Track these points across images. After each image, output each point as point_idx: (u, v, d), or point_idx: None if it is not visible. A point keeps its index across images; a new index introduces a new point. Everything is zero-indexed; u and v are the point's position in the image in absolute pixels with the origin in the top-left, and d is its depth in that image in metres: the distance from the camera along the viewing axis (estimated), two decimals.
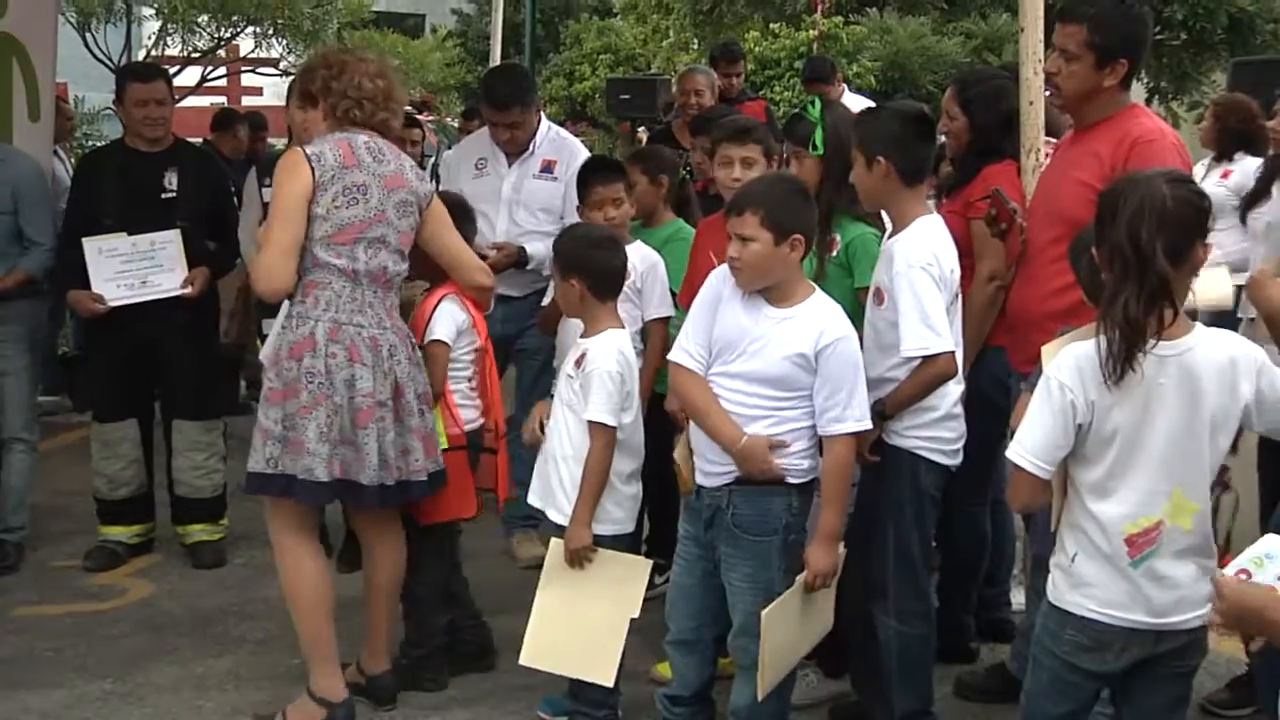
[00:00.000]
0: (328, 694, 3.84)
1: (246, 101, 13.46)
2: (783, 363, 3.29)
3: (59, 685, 4.23)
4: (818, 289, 3.42)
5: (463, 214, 4.34)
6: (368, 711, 4.04)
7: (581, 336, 3.78)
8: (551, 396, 3.93)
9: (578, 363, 3.70)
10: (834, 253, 3.84)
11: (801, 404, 3.32)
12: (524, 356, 5.32)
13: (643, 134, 12.75)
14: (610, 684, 3.70)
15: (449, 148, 9.57)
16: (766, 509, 3.35)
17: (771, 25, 17.28)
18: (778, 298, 3.34)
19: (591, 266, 3.72)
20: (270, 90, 15.80)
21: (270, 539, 3.93)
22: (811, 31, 15.09)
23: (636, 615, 3.70)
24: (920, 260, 3.44)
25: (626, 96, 12.55)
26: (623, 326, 3.80)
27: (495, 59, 9.06)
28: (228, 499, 5.44)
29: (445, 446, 4.09)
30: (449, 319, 4.09)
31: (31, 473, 5.39)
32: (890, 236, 3.66)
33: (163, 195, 5.16)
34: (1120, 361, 2.57)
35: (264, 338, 5.39)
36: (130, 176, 5.17)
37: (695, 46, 23.60)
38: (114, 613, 4.89)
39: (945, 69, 15.84)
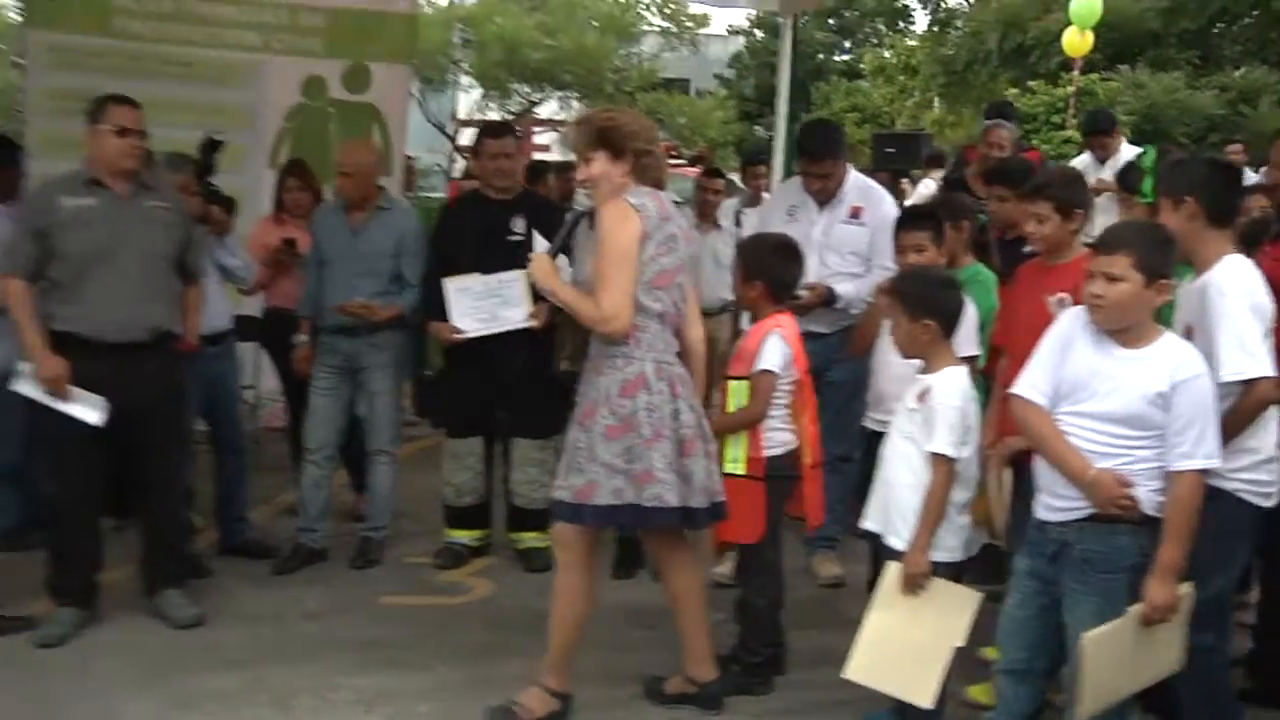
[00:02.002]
0: (561, 688, 3.93)
1: (537, 158, 13.85)
2: (1139, 402, 3.10)
3: (425, 668, 4.37)
4: (1168, 331, 3.23)
5: (793, 254, 4.31)
6: (696, 717, 4.03)
7: (921, 373, 3.68)
8: None
9: (920, 397, 3.60)
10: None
11: (1155, 443, 3.11)
12: (831, 389, 5.21)
13: (906, 184, 12.59)
14: (929, 706, 3.56)
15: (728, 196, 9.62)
16: (1116, 546, 3.15)
17: (1030, 83, 16.83)
18: (1129, 339, 3.15)
19: (944, 309, 3.63)
20: (557, 147, 16.28)
21: (559, 557, 3.98)
22: (1069, 87, 14.59)
23: (962, 644, 3.56)
24: (1235, 290, 3.28)
25: (891, 150, 12.52)
26: (960, 364, 3.69)
27: (781, 118, 9.08)
28: None
29: (743, 472, 4.06)
30: (778, 351, 4.08)
31: (394, 480, 5.59)
32: (1195, 279, 3.46)
33: (510, 238, 5.29)
34: None
35: None
36: (483, 222, 5.32)
37: (937, 105, 23.29)
38: (463, 607, 5.02)
39: (1198, 121, 15.15)
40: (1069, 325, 3.28)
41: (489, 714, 3.88)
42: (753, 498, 4.07)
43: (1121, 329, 3.17)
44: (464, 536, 5.55)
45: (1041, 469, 3.30)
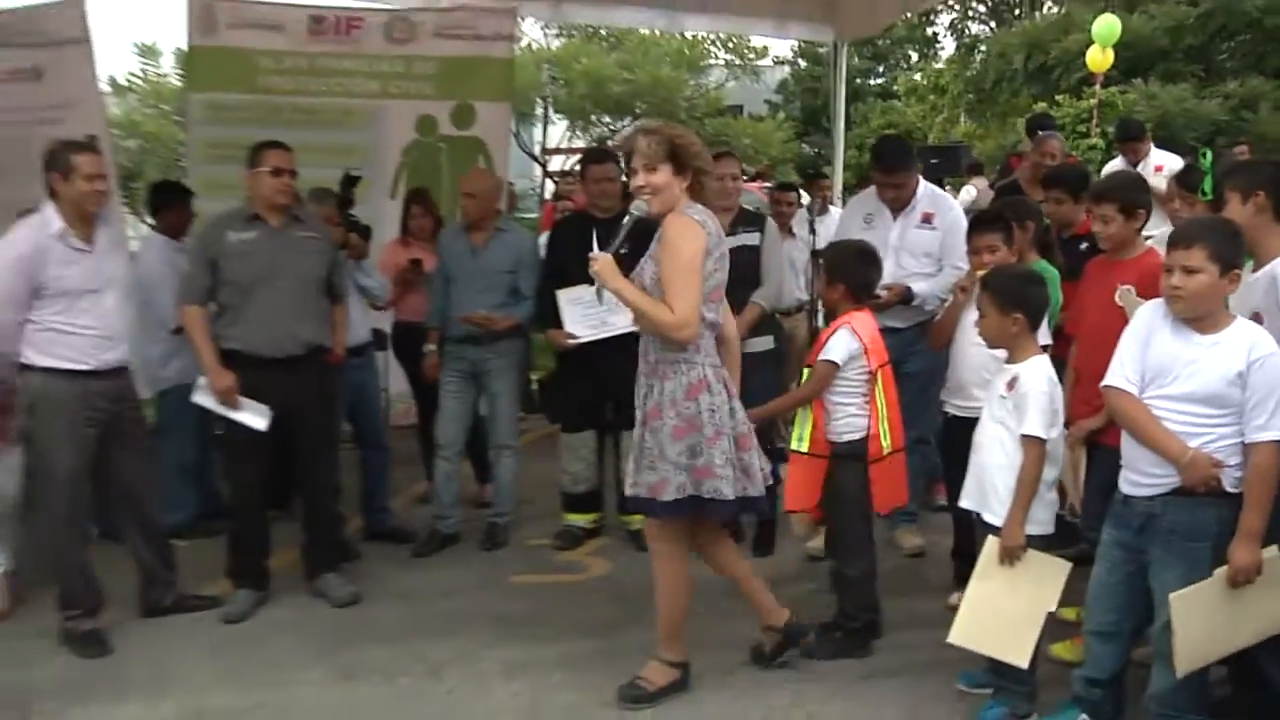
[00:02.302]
0: (679, 657, 3.83)
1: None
2: (1219, 382, 2.97)
3: (555, 641, 4.28)
4: (1239, 316, 3.09)
5: (872, 259, 4.20)
6: (802, 679, 3.92)
7: (1008, 363, 3.54)
8: None
9: (1009, 385, 3.47)
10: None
11: (1233, 421, 2.98)
12: (908, 378, 5.06)
13: (948, 190, 12.36)
14: (1025, 666, 3.44)
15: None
16: (1200, 517, 3.02)
17: (1057, 97, 16.54)
18: (1206, 326, 3.02)
19: (1032, 303, 3.50)
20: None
21: (651, 546, 3.80)
22: (1092, 100, 14.29)
23: (1054, 609, 3.45)
24: None
25: (935, 160, 12.25)
26: (1043, 352, 3.55)
27: (839, 138, 8.98)
28: None
29: (806, 450, 3.99)
30: (842, 345, 3.98)
31: (515, 471, 5.53)
32: (1256, 270, 3.30)
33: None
34: None
35: None
36: (589, 238, 5.22)
37: (963, 121, 23.12)
38: (584, 584, 4.94)
39: (1205, 126, 14.87)
40: (1149, 317, 3.15)
41: (619, 692, 3.78)
42: (813, 473, 4.00)
43: (1198, 317, 3.05)
44: (580, 520, 5.48)
45: (1128, 448, 3.17)
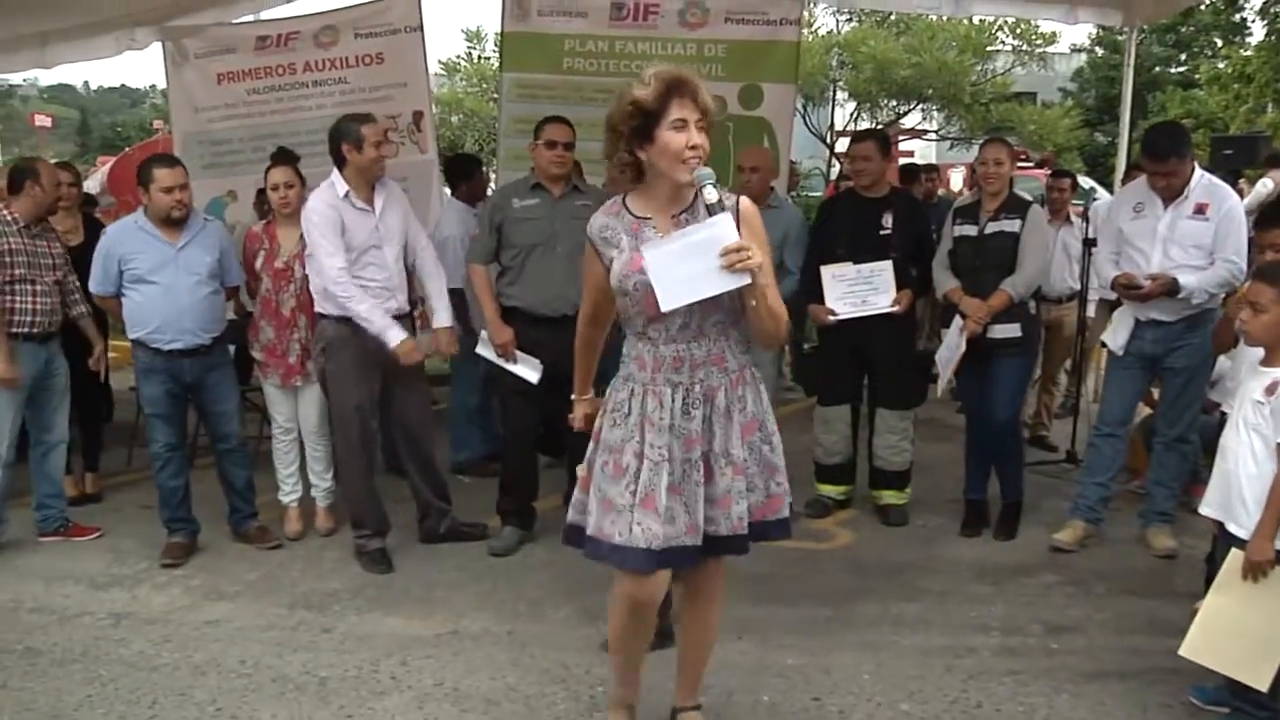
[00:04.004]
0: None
1: (903, 162, 13.11)
2: None
3: (793, 604, 4.04)
4: None
5: None
6: (1022, 661, 3.46)
7: (1264, 364, 2.96)
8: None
9: (1269, 390, 2.89)
10: None
11: None
12: (1170, 374, 4.51)
13: (1244, 184, 10.86)
14: (1264, 689, 2.89)
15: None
16: None
17: None
18: None
19: None
20: (919, 152, 15.35)
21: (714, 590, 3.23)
22: None
23: None
24: None
25: (1229, 151, 10.76)
26: None
27: (1124, 127, 8.04)
28: (912, 473, 5.06)
29: None
30: None
31: None
32: None
33: (880, 232, 4.83)
34: None
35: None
36: (856, 217, 4.89)
37: (1270, 111, 20.47)
38: (828, 553, 4.66)
39: None
40: None
41: None
42: None
43: None
44: (831, 491, 5.17)
45: None
